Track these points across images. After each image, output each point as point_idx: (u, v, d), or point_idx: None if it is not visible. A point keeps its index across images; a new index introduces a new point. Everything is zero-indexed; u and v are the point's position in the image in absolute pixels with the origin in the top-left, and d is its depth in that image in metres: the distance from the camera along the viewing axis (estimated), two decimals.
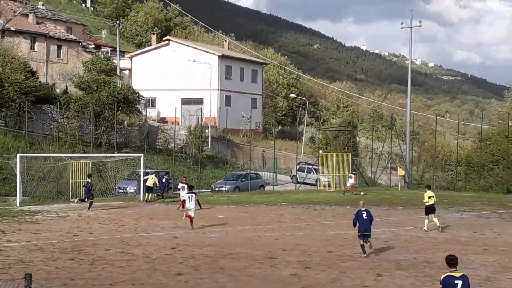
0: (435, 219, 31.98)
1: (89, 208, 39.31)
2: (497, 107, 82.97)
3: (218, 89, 79.09)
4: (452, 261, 12.31)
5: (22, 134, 53.37)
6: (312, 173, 63.14)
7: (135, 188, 48.63)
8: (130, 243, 26.93)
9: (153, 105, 78.55)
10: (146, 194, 45.27)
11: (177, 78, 77.97)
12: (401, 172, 59.72)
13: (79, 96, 59.99)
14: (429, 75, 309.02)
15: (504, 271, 21.86)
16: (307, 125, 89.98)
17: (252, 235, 30.00)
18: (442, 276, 12.28)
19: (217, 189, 54.96)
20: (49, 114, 59.00)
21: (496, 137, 61.74)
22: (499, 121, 72.32)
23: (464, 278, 12.13)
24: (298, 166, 66.52)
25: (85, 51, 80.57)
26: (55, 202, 44.11)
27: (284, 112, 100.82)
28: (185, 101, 78.37)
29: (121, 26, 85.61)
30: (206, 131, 70.35)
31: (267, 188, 58.73)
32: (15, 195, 42.39)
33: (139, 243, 26.86)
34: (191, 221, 31.64)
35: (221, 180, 57.06)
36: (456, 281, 11.99)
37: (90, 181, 40.58)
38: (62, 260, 22.90)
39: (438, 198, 48.97)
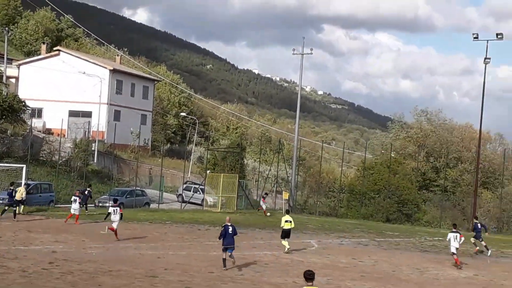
0: (285, 243, 33.03)
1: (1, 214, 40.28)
2: (381, 138, 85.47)
3: (107, 103, 78.00)
4: (309, 276, 13.02)
5: None
6: (198, 192, 63.06)
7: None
8: (6, 256, 26.06)
9: (39, 116, 76.60)
10: (17, 207, 43.37)
11: (66, 89, 76.44)
12: (285, 196, 60.49)
13: None
14: (318, 102, 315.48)
15: None
16: (196, 145, 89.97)
17: (134, 252, 29.65)
18: None
19: (101, 204, 53.97)
20: None
21: (379, 167, 63.56)
22: (382, 151, 74.62)
23: None
24: (184, 185, 66.30)
25: None
26: None
27: (174, 130, 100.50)
28: (73, 113, 76.85)
29: (10, 33, 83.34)
30: (93, 144, 69.17)
31: (152, 206, 58.19)
32: None
33: (16, 256, 26.04)
34: (116, 233, 33.38)
35: (105, 196, 56.10)
36: None
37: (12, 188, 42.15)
38: None
39: (320, 223, 50.11)
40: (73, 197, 41.51)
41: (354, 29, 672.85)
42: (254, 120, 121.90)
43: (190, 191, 64.38)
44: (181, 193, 65.42)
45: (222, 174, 59.26)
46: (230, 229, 26.37)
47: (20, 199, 43.40)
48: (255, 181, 73.66)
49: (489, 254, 37.26)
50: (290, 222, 33.20)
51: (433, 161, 70.96)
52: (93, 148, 68.80)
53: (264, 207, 55.51)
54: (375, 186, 61.54)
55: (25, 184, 45.51)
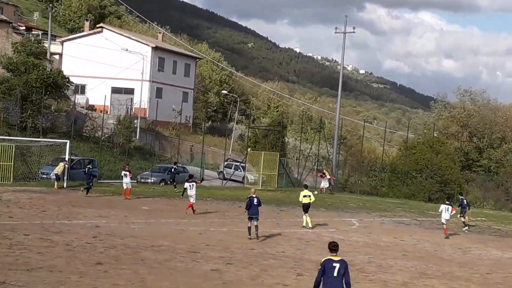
0: (307, 218, 33.29)
1: (86, 193, 41.10)
2: (424, 117, 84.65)
3: (149, 80, 78.34)
4: (333, 247, 13.45)
5: None
6: (239, 170, 63.17)
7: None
8: (50, 230, 26.43)
9: (83, 92, 77.28)
10: (55, 182, 44.43)
11: (109, 66, 76.87)
12: (327, 174, 60.32)
13: (6, 78, 58.58)
14: (360, 82, 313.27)
15: (421, 277, 22.29)
16: (237, 123, 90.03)
17: (176, 228, 29.85)
18: (323, 259, 13.29)
19: (143, 180, 54.41)
20: None
21: (421, 146, 63.02)
22: (425, 131, 73.90)
23: (342, 262, 13.22)
24: (225, 163, 66.45)
25: (16, 33, 78.72)
26: None
27: (215, 108, 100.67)
28: (115, 90, 77.38)
29: (53, 10, 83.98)
30: (135, 121, 69.60)
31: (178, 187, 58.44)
32: None
33: (60, 230, 26.38)
34: (192, 207, 35.35)
35: (147, 172, 56.52)
36: (335, 264, 13.07)
37: (91, 167, 42.90)
38: None
39: (361, 202, 49.89)
40: (123, 172, 42.13)
41: (396, 7, 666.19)
42: (295, 99, 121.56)
43: (231, 168, 64.51)
44: (222, 170, 65.58)
45: (263, 152, 59.29)
46: (255, 200, 28.40)
47: (57, 173, 44.19)
48: (296, 159, 73.53)
49: (464, 230, 37.64)
50: (309, 196, 33.42)
51: (476, 141, 70.12)
52: (135, 125, 69.24)
53: (322, 185, 56.56)
54: (417, 165, 61.07)
55: (65, 160, 46.03)
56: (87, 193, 40.95)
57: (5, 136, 50.89)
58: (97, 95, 72.11)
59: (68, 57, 79.76)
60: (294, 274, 21.12)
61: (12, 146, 46.24)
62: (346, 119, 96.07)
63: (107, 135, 63.51)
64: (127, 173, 41.80)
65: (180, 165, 60.53)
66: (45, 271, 18.74)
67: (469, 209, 39.82)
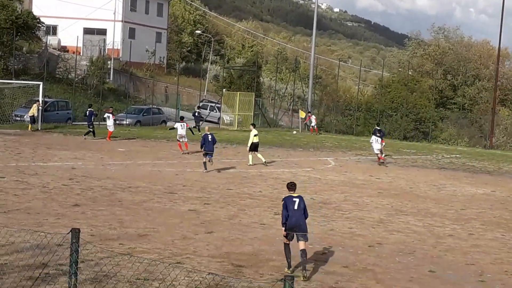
0: (259, 155, 33.62)
1: (85, 135, 41.31)
2: (398, 55, 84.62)
3: (122, 21, 77.34)
4: (291, 186, 15.29)
5: None
6: (215, 111, 63.03)
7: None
8: (26, 172, 26.29)
9: (54, 33, 76.09)
10: (29, 125, 44.13)
11: (80, 6, 75.49)
12: (302, 114, 60.43)
13: None
14: (334, 20, 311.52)
15: (397, 214, 22.53)
16: (211, 63, 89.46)
17: (152, 169, 29.82)
18: (283, 197, 15.12)
19: (118, 122, 54.07)
20: None
21: (396, 85, 63.18)
22: (399, 69, 73.98)
23: (300, 197, 15.02)
24: (201, 104, 66.20)
25: None
26: None
27: (189, 48, 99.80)
28: (87, 31, 76.33)
29: None
30: (109, 62, 68.90)
31: (169, 123, 58.30)
32: None
33: (36, 173, 26.25)
34: (186, 146, 36.58)
35: (122, 113, 56.20)
36: (294, 199, 14.85)
37: (92, 110, 42.70)
38: None
39: (337, 141, 50.17)
40: (106, 114, 42.04)
41: None
42: (269, 38, 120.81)
43: (206, 109, 64.34)
44: (197, 111, 65.39)
45: (238, 93, 59.14)
46: (210, 137, 30.19)
47: (32, 115, 43.80)
48: (271, 100, 73.49)
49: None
50: (257, 135, 33.76)
51: (450, 79, 70.35)
52: (108, 66, 68.57)
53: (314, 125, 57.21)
54: (392, 104, 61.30)
55: (37, 101, 45.49)
56: (86, 136, 41.24)
57: None
58: (69, 36, 70.99)
59: None
60: (271, 213, 21.22)
61: None
62: (321, 58, 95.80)
63: (80, 77, 62.91)
64: (110, 115, 41.59)
65: (155, 106, 60.25)
66: (22, 213, 18.69)
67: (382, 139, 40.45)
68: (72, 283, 8.03)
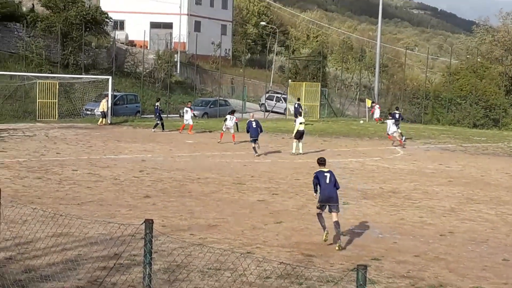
0: (300, 144, 33.26)
1: (153, 128, 42.17)
2: (466, 42, 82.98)
3: (187, 14, 77.96)
4: (321, 162, 16.43)
5: None
6: (281, 102, 63.07)
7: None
8: (97, 165, 26.81)
9: (122, 28, 77.23)
10: (102, 119, 44.89)
11: (147, 1, 76.49)
12: (368, 103, 59.97)
13: (46, 15, 58.80)
14: (399, 8, 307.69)
15: (468, 203, 22.18)
16: (276, 54, 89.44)
17: (220, 161, 30.04)
18: (315, 172, 16.23)
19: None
20: (15, 32, 57.86)
21: (465, 72, 62.10)
22: (468, 56, 72.58)
23: (330, 172, 16.14)
24: (267, 95, 66.34)
25: None
26: (21, 121, 43.66)
27: (254, 40, 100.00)
28: (154, 25, 77.17)
29: None
30: (175, 56, 69.58)
31: (236, 115, 58.56)
32: None
33: (107, 165, 26.73)
34: (233, 137, 37.24)
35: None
36: (325, 174, 16.00)
37: (158, 105, 42.88)
38: (29, 179, 22.75)
39: (405, 130, 49.59)
40: (185, 108, 42.60)
41: None
42: (334, 28, 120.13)
43: (272, 100, 64.42)
44: (263, 102, 65.57)
45: (304, 83, 59.03)
46: (254, 123, 31.98)
47: (103, 110, 44.50)
48: (337, 89, 73.11)
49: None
50: (303, 123, 33.61)
51: None
52: (175, 59, 69.26)
53: (378, 115, 56.71)
54: (461, 91, 60.27)
55: (105, 96, 46.25)
56: (155, 129, 41.98)
57: (48, 73, 51.34)
58: (136, 30, 71.96)
59: None
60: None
61: (56, 83, 46.68)
62: (387, 47, 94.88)
63: (148, 71, 63.73)
64: (189, 109, 42.07)
65: (222, 98, 60.63)
66: (95, 205, 19.07)
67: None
68: (147, 273, 8.15)
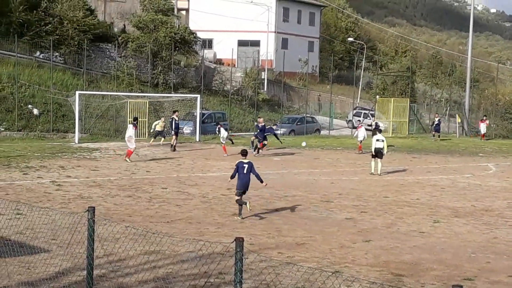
0: (379, 164, 31.32)
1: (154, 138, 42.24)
2: None
3: (275, 32, 78.48)
4: (243, 153, 20.46)
5: (80, 72, 53.86)
6: (368, 118, 62.55)
7: (191, 128, 48.94)
8: (186, 183, 27.14)
9: (210, 46, 78.34)
10: (153, 138, 43.34)
11: (234, 19, 77.41)
12: (458, 119, 58.81)
13: (136, 36, 60.21)
14: (491, 21, 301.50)
15: None
16: (364, 70, 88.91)
17: (308, 178, 29.96)
18: (237, 162, 20.06)
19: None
20: (107, 52, 59.51)
21: None
22: None
23: (249, 163, 20.01)
24: (354, 111, 65.95)
25: None
26: (112, 140, 44.67)
27: (341, 56, 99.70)
28: (241, 43, 78.03)
29: None
30: (262, 73, 70.06)
31: (323, 132, 58.47)
32: (74, 132, 43.08)
33: (195, 183, 27.03)
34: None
35: (277, 124, 56.89)
36: (244, 165, 19.85)
37: (175, 117, 40.93)
38: (120, 197, 23.21)
39: (497, 146, 48.35)
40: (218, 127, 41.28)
41: None
42: (423, 42, 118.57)
43: (360, 116, 63.99)
44: (351, 119, 65.19)
45: (392, 99, 58.40)
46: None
47: (161, 130, 43.09)
48: (427, 105, 72.02)
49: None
50: (383, 141, 31.50)
51: None
52: (262, 77, 69.70)
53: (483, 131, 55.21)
54: None
55: (163, 116, 45.51)
56: (155, 140, 42.28)
57: (139, 92, 52.46)
58: (224, 49, 72.91)
59: (194, 12, 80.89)
60: (430, 221, 20.76)
61: (146, 102, 47.60)
62: (478, 61, 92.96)
63: (235, 88, 64.34)
64: (221, 128, 40.51)
65: (309, 115, 60.59)
66: (184, 223, 19.28)
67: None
68: None
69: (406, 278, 14.15)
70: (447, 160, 39.70)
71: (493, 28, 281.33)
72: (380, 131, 33.77)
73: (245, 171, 19.77)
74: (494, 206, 23.83)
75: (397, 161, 37.34)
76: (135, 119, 37.89)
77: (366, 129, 43.66)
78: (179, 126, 41.98)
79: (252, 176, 20.24)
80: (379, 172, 31.29)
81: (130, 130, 34.56)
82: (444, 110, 68.51)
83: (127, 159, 33.33)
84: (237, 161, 20.15)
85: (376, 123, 47.33)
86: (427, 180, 30.31)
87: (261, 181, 20.43)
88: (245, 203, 19.82)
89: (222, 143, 38.79)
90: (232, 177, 20.17)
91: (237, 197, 20.01)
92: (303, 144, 38.67)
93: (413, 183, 29.37)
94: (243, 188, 19.89)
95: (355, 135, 45.44)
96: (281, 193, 25.15)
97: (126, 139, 34.88)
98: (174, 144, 39.35)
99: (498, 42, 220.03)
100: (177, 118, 40.74)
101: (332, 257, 15.77)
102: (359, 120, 53.90)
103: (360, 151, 41.10)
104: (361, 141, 41.70)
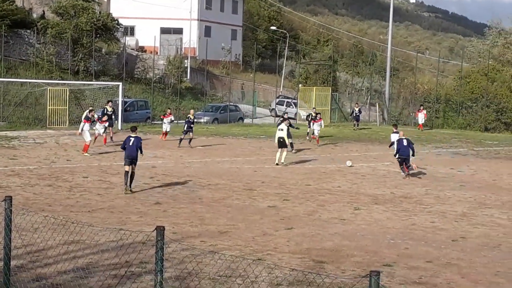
0: (284, 153, 30.77)
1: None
2: (478, 45, 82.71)
3: (198, 19, 78.07)
4: (133, 129, 23.24)
5: None
6: (291, 107, 62.99)
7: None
8: (108, 171, 26.84)
9: (132, 34, 77.38)
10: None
11: (157, 6, 76.52)
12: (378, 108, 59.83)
13: (56, 22, 59.03)
14: (410, 11, 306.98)
15: (480, 207, 22.06)
16: (287, 59, 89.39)
17: (231, 166, 30.01)
18: (127, 136, 23.03)
19: (196, 120, 54.57)
20: (26, 39, 58.13)
21: (476, 75, 61.80)
22: (479, 59, 72.32)
23: (136, 137, 22.63)
24: (277, 100, 66.31)
25: None
26: (32, 128, 43.76)
27: (264, 44, 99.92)
28: (164, 31, 77.33)
29: None
30: (185, 61, 69.68)
31: (246, 120, 58.61)
32: None
33: (117, 172, 26.70)
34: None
35: (200, 112, 56.73)
36: (131, 138, 22.46)
37: (108, 108, 38.95)
38: (40, 186, 22.78)
39: (416, 135, 49.41)
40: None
41: None
42: (345, 32, 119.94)
43: (283, 105, 64.38)
44: (274, 107, 65.53)
45: (314, 88, 58.98)
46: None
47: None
48: (348, 94, 73.00)
49: None
50: (282, 130, 30.86)
51: None
52: (185, 65, 69.34)
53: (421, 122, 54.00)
54: (473, 95, 59.97)
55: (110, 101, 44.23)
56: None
57: (59, 80, 51.49)
58: (146, 36, 72.09)
59: None
60: (351, 208, 21.09)
61: (66, 90, 46.79)
62: (398, 50, 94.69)
63: (158, 76, 63.84)
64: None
65: (232, 103, 60.61)
66: (106, 212, 19.07)
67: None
68: (158, 281, 8.11)
69: (327, 265, 14.32)
70: (368, 148, 40.37)
71: (413, 18, 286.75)
72: (284, 120, 32.54)
73: (131, 144, 22.41)
74: (412, 193, 24.36)
75: (320, 149, 37.75)
76: (90, 111, 36.10)
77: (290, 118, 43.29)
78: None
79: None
80: (283, 161, 30.55)
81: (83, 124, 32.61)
82: (365, 99, 69.54)
83: (86, 154, 31.86)
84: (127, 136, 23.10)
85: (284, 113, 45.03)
86: (348, 168, 30.73)
87: (141, 153, 23.10)
88: (125, 183, 22.32)
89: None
90: (122, 148, 23.17)
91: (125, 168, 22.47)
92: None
93: (334, 171, 29.76)
94: (129, 159, 22.35)
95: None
96: (204, 182, 25.12)
97: (80, 132, 32.83)
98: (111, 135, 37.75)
99: (417, 32, 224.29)
100: (109, 109, 38.81)
101: (254, 245, 15.84)
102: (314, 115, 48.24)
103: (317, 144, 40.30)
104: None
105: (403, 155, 27.96)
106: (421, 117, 54.24)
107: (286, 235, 16.95)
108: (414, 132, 50.52)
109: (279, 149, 30.77)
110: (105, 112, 37.94)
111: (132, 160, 22.31)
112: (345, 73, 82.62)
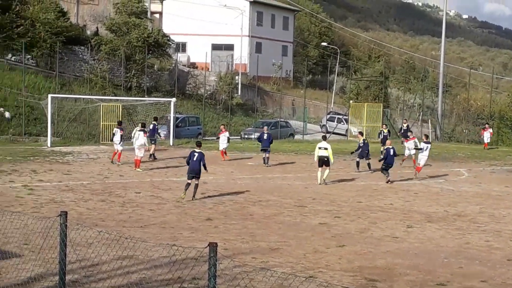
0: (326, 172, 29.66)
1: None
2: None
3: (249, 36, 78.42)
4: (198, 144, 24.63)
5: (53, 75, 53.40)
6: (342, 123, 62.71)
7: (165, 132, 48.72)
8: (160, 187, 27.02)
9: (183, 50, 78.10)
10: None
11: (208, 23, 77.25)
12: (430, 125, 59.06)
13: (109, 39, 59.87)
14: (463, 27, 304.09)
15: None
16: (338, 75, 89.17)
17: (282, 183, 29.96)
18: (191, 150, 24.25)
19: (246, 136, 54.84)
20: (80, 55, 59.11)
21: None
22: None
23: (200, 153, 23.71)
24: (328, 116, 66.07)
25: None
26: (85, 144, 44.36)
27: (315, 61, 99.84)
28: (215, 47, 77.84)
29: None
30: (236, 77, 69.99)
31: (297, 137, 58.52)
32: (46, 136, 42.64)
33: (169, 187, 26.92)
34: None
35: (250, 128, 56.89)
36: (195, 153, 23.71)
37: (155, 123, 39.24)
38: (93, 201, 23.05)
39: (469, 151, 48.66)
40: (115, 129, 36.33)
41: None
42: (396, 48, 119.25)
43: (333, 121, 64.14)
44: (324, 123, 65.31)
45: (365, 104, 58.62)
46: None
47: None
48: (400, 110, 72.40)
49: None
50: (326, 149, 29.71)
51: None
52: (236, 81, 69.64)
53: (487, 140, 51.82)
54: None
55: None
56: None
57: (112, 96, 52.14)
58: (197, 52, 72.74)
59: (168, 16, 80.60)
60: (403, 226, 20.86)
61: (119, 106, 47.32)
62: (451, 67, 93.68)
63: (209, 92, 64.21)
64: (118, 130, 35.44)
65: (282, 119, 60.62)
66: (158, 227, 19.18)
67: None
68: None
69: (379, 283, 14.18)
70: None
71: (465, 34, 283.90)
72: (325, 138, 32.13)
73: (195, 159, 23.55)
74: (466, 211, 23.99)
75: (371, 165, 37.43)
76: (120, 123, 36.31)
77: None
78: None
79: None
80: (324, 179, 29.60)
81: (141, 137, 32.03)
82: (417, 116, 68.88)
83: (138, 169, 31.59)
84: (191, 150, 24.62)
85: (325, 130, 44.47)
86: (400, 185, 30.45)
87: (206, 169, 24.20)
88: (185, 191, 23.75)
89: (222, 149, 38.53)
90: (186, 162, 24.12)
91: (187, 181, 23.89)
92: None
93: (386, 188, 29.49)
94: (192, 173, 23.57)
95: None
96: (255, 198, 25.13)
97: (136, 147, 32.10)
98: (153, 152, 37.84)
99: (470, 47, 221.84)
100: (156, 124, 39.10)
101: (306, 262, 15.77)
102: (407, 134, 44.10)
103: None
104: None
105: (390, 163, 30.47)
106: (486, 136, 52.53)
107: (338, 253, 16.84)
108: (478, 150, 49.87)
109: (320, 168, 29.81)
110: (154, 127, 38.40)
111: (194, 176, 23.58)
112: (397, 89, 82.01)
